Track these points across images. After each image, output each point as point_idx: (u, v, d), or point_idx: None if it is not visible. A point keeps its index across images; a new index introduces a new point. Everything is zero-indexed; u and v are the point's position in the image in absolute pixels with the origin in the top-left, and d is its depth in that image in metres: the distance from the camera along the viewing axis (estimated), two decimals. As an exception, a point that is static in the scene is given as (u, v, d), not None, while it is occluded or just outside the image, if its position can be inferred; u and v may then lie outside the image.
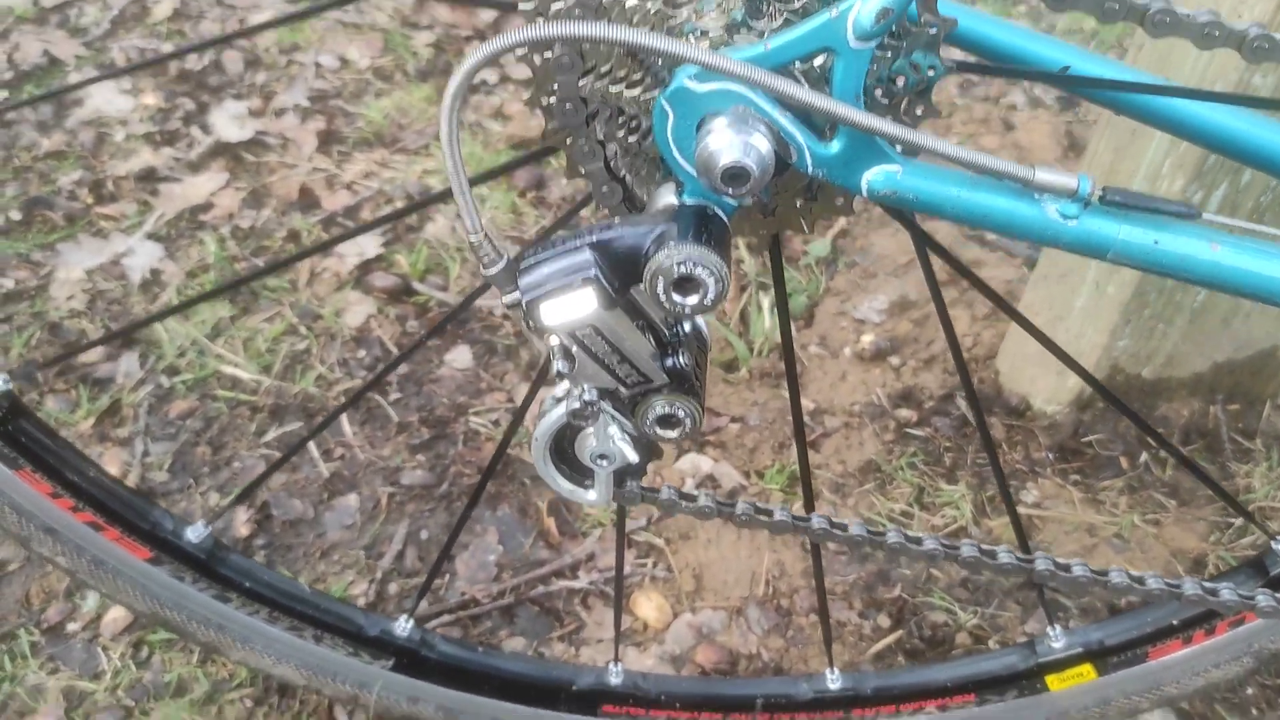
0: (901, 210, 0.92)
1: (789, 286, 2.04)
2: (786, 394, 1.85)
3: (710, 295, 0.71)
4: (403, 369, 1.88)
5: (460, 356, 1.91)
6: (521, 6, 0.78)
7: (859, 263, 2.11)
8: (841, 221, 2.20)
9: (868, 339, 1.95)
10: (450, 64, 2.68)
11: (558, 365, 0.78)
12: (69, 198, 2.21)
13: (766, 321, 1.94)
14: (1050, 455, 1.71)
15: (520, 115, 2.52)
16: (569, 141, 0.83)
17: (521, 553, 1.63)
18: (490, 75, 2.62)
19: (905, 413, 1.81)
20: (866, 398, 1.85)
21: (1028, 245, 2.14)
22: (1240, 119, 0.89)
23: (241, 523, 1.62)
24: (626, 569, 1.60)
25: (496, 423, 1.79)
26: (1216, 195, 1.42)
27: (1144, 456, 1.70)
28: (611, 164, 0.84)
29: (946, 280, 2.03)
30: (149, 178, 2.29)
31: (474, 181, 0.97)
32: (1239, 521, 1.62)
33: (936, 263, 1.08)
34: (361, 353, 1.91)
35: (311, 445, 1.74)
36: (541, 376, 1.16)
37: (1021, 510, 1.66)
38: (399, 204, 2.25)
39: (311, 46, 2.72)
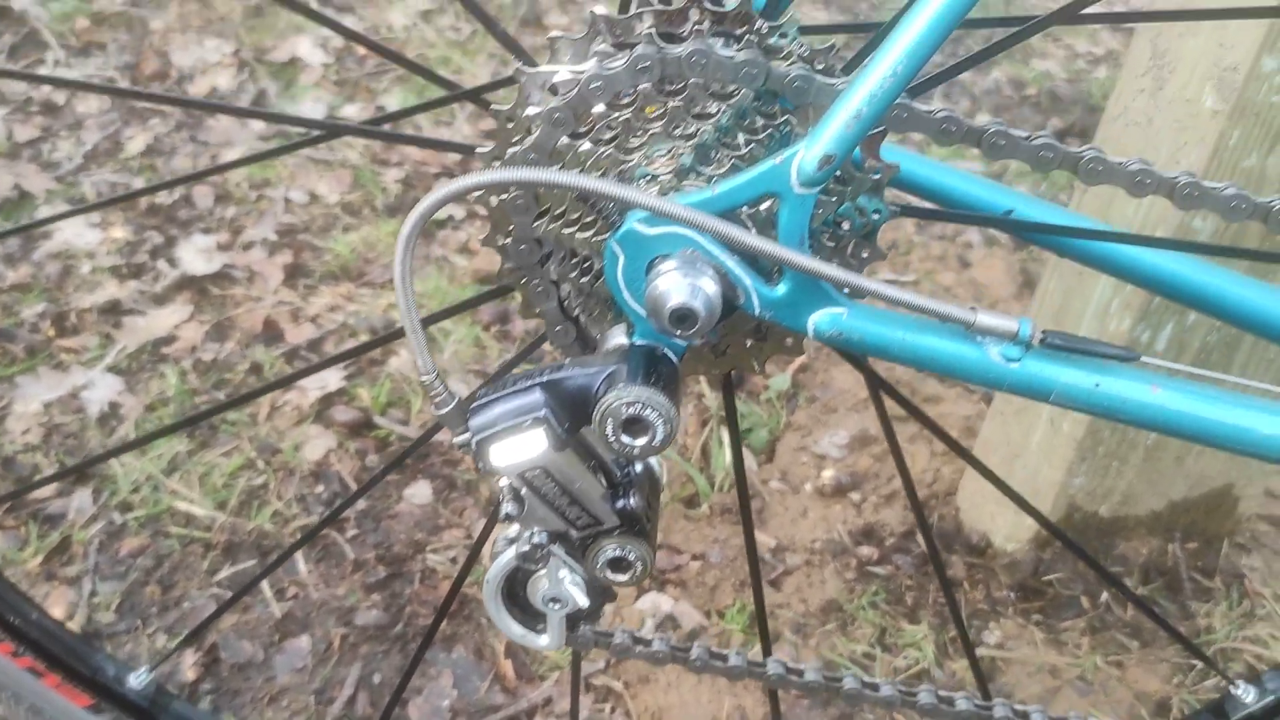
0: (851, 352, 0.94)
1: (750, 421, 2.05)
2: (748, 531, 1.84)
3: (659, 437, 0.71)
4: (361, 504, 1.85)
5: (420, 492, 1.89)
6: (479, 151, 0.80)
7: (819, 397, 2.12)
8: (802, 356, 2.23)
9: (828, 474, 1.95)
10: (418, 199, 2.72)
11: (507, 508, 0.77)
12: (31, 330, 2.20)
13: (727, 456, 1.94)
14: (1011, 594, 1.70)
15: (486, 250, 2.55)
16: (524, 281, 0.84)
17: (477, 697, 1.58)
18: (458, 211, 2.67)
19: (866, 550, 1.80)
20: (828, 534, 1.84)
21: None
22: (1179, 262, 0.92)
23: (189, 666, 1.58)
24: (584, 714, 1.56)
25: (454, 560, 1.77)
26: (1163, 335, 1.46)
27: (1105, 596, 1.70)
28: (565, 304, 0.85)
29: (904, 415, 2.05)
30: (113, 310, 2.28)
31: (431, 320, 0.98)
32: (1201, 664, 1.61)
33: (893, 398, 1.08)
34: (320, 488, 1.89)
35: (264, 584, 1.70)
36: (496, 513, 1.15)
37: (984, 652, 1.64)
38: (363, 337, 2.26)
39: (282, 182, 2.76)
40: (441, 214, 2.66)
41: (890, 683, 1.03)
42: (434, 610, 1.67)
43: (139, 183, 2.71)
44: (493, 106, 0.78)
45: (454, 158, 2.86)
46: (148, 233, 2.54)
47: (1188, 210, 0.78)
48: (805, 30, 0.79)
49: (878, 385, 0.98)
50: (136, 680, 1.16)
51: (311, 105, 3.03)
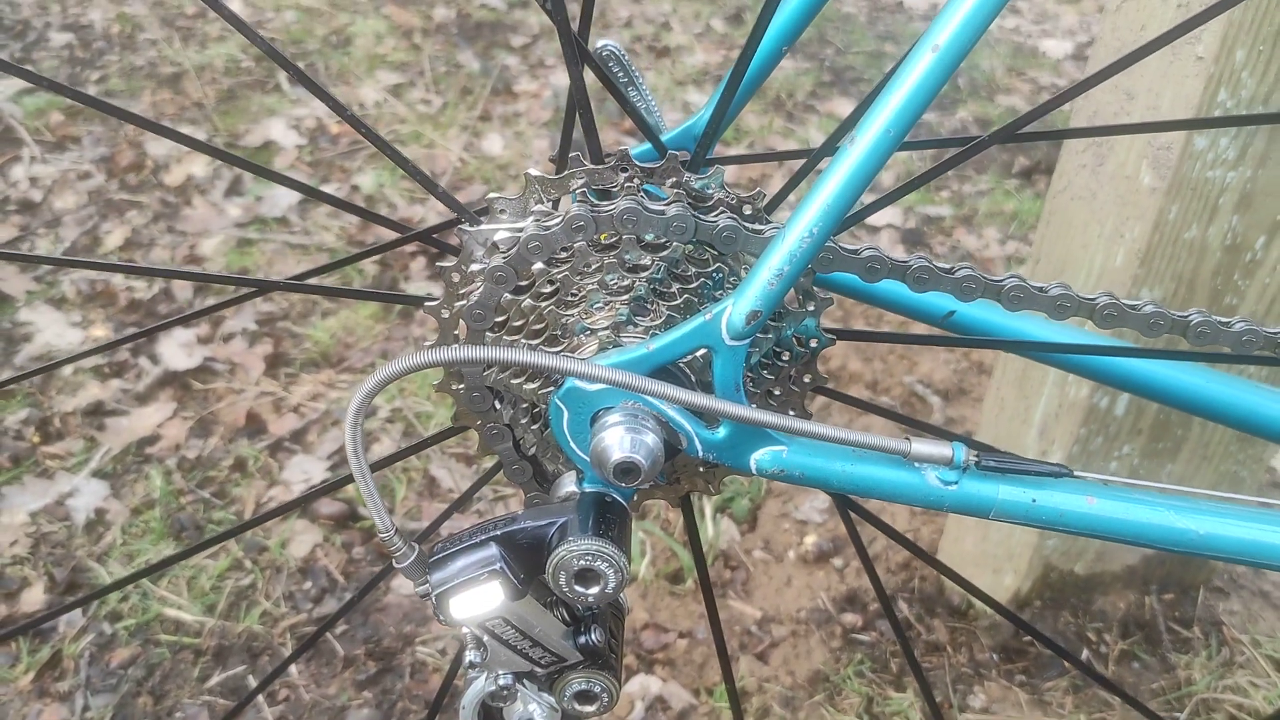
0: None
1: (731, 490, 2.07)
2: (734, 605, 1.86)
3: (610, 585, 0.74)
4: (347, 597, 1.87)
5: (407, 583, 1.91)
6: (428, 305, 0.83)
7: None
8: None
9: (810, 540, 1.97)
10: (395, 279, 2.76)
11: (470, 656, 0.79)
12: (15, 438, 2.23)
13: (709, 529, 1.97)
14: (994, 656, 1.72)
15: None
16: (479, 424, 0.87)
17: (470, 791, 1.59)
18: (436, 288, 2.70)
19: (850, 617, 1.82)
20: (812, 602, 1.86)
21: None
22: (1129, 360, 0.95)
23: (182, 777, 1.59)
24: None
25: (444, 651, 1.78)
26: (1121, 400, 1.49)
27: (1085, 653, 1.72)
28: (520, 444, 0.87)
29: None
30: (96, 412, 2.31)
31: (389, 461, 1.01)
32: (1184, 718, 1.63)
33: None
34: (308, 584, 1.91)
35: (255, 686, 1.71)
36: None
37: (970, 716, 1.65)
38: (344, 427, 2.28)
39: (260, 269, 2.79)
40: (421, 290, 2.69)
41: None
42: (425, 705, 1.69)
43: (117, 279, 2.74)
44: (438, 264, 0.81)
45: (432, 219, 2.89)
46: (128, 329, 2.57)
47: (1109, 329, 0.81)
48: (716, 160, 0.83)
49: (845, 505, 1.01)
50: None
51: (286, 189, 3.07)
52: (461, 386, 0.85)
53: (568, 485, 0.80)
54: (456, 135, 3.34)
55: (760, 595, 1.89)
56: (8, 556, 1.94)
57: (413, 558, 0.78)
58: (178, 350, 2.52)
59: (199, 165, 3.18)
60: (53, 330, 2.57)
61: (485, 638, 0.79)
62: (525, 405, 0.84)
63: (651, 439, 0.73)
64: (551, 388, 0.81)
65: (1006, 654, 1.73)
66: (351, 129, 3.35)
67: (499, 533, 0.76)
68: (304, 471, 2.15)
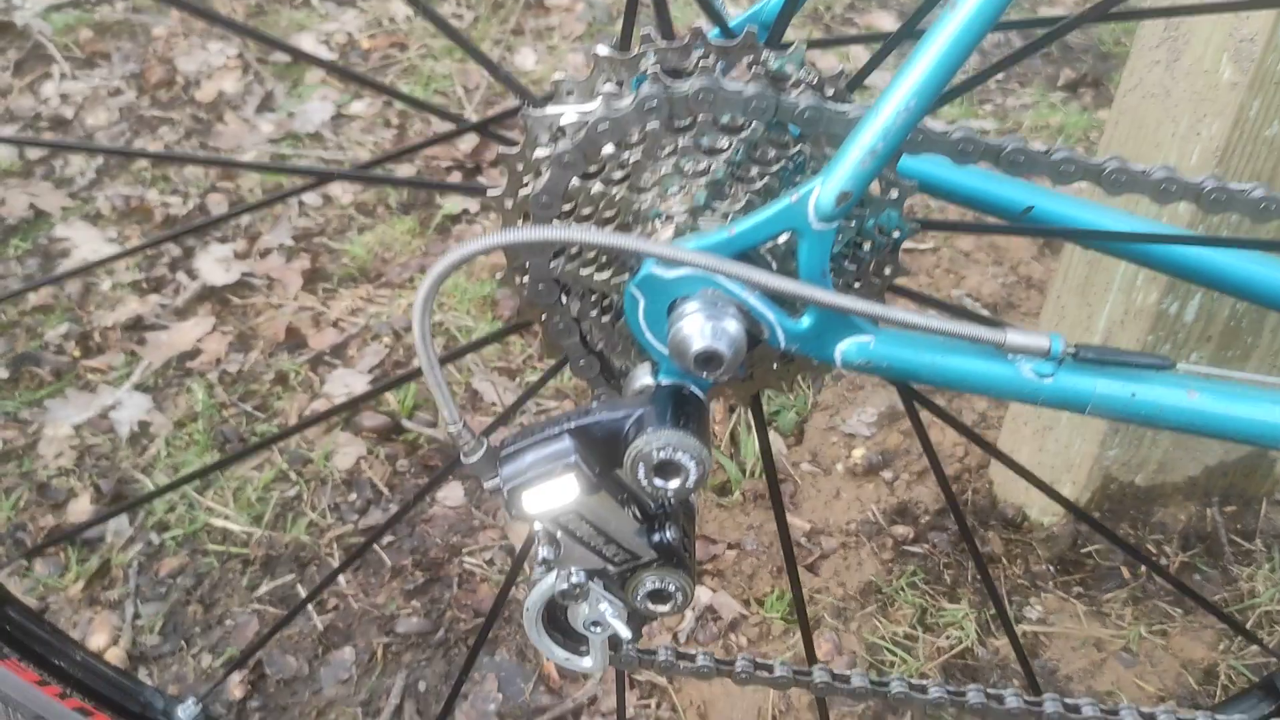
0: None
1: (776, 404, 2.04)
2: (781, 516, 1.83)
3: (691, 479, 0.71)
4: (395, 509, 1.86)
5: (452, 494, 1.90)
6: (490, 193, 0.80)
7: (845, 375, 2.11)
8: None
9: (859, 453, 1.94)
10: (431, 196, 2.71)
11: (543, 552, 0.77)
12: (56, 352, 2.22)
13: (756, 442, 1.94)
14: (1050, 568, 1.70)
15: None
16: (544, 319, 0.83)
17: (522, 699, 1.59)
18: (471, 204, 2.66)
19: (902, 529, 1.79)
20: (862, 515, 1.84)
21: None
22: (1203, 251, 0.90)
23: (235, 685, 1.59)
24: (630, 711, 1.57)
25: (491, 561, 1.78)
26: (1191, 306, 1.44)
27: (1145, 566, 1.69)
28: (587, 338, 0.84)
29: (932, 390, 2.04)
30: (136, 326, 2.30)
31: (452, 356, 0.98)
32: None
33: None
34: (353, 495, 1.90)
35: (304, 594, 1.71)
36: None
37: (1026, 628, 1.63)
38: (385, 340, 2.26)
39: (294, 183, 2.75)
40: (455, 208, 2.65)
41: (939, 685, 1.03)
42: (474, 614, 1.68)
43: (152, 195, 2.71)
44: (500, 150, 0.77)
45: (465, 149, 2.84)
46: (165, 245, 2.55)
47: (1215, 214, 0.76)
48: (812, 45, 0.78)
49: (911, 397, 0.97)
50: (185, 713, 1.18)
51: (319, 103, 3.03)
52: (526, 279, 0.81)
53: (642, 378, 0.77)
54: (489, 49, 3.27)
55: (808, 508, 1.86)
56: (54, 468, 1.94)
57: (481, 452, 0.75)
58: (215, 266, 2.49)
59: (230, 81, 3.13)
60: (89, 246, 2.55)
61: (558, 534, 0.76)
62: (595, 297, 0.81)
63: (734, 327, 0.70)
64: (625, 276, 0.77)
65: (1063, 566, 1.70)
66: (383, 45, 3.29)
67: (573, 425, 0.73)
68: (345, 385, 2.13)
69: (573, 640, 0.97)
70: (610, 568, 0.80)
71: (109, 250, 2.53)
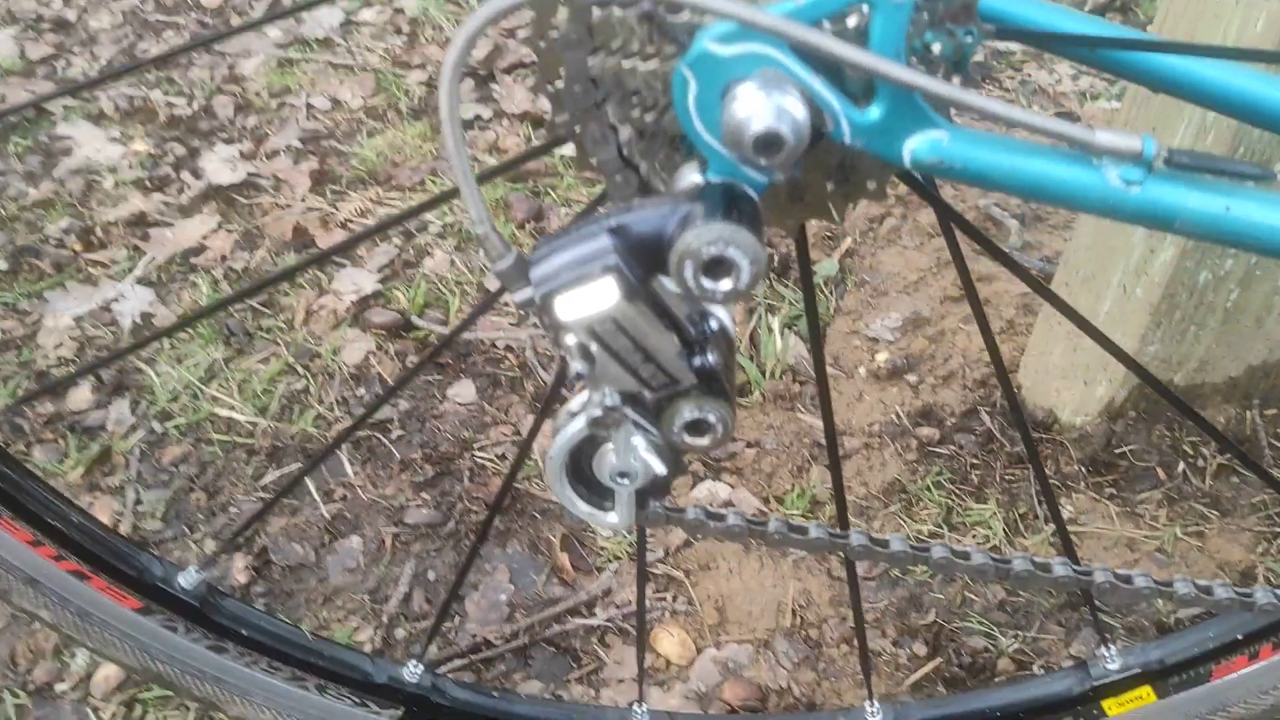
0: (923, 183, 0.86)
1: (798, 308, 1.97)
2: (802, 417, 1.78)
3: (744, 279, 0.64)
4: (405, 406, 1.81)
5: (464, 391, 1.84)
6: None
7: (869, 281, 2.05)
8: (847, 241, 2.14)
9: (882, 357, 1.88)
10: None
11: (576, 366, 0.71)
12: (57, 245, 2.16)
13: (777, 343, 1.88)
14: (1082, 469, 1.64)
15: (515, 148, 2.47)
16: (579, 129, 0.77)
17: (534, 591, 1.55)
18: (484, 110, 2.58)
19: (927, 431, 1.73)
20: (885, 417, 1.78)
21: (1041, 258, 2.08)
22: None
23: (239, 570, 1.55)
24: (645, 603, 1.52)
25: (503, 456, 1.72)
26: None
27: (1181, 466, 1.63)
28: (625, 151, 0.77)
29: (958, 296, 1.97)
30: (139, 223, 2.23)
31: (490, 173, 0.91)
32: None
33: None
34: (361, 391, 1.84)
35: (311, 486, 1.66)
36: (547, 408, 1.09)
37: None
38: (396, 241, 2.19)
39: (302, 89, 2.68)
40: (468, 113, 2.58)
41: (982, 551, 0.97)
42: (486, 506, 1.63)
43: (156, 95, 2.64)
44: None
45: (478, 56, 2.75)
46: (169, 144, 2.48)
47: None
48: None
49: (949, 217, 0.90)
50: (186, 580, 1.13)
51: (327, 9, 2.94)
52: (561, 82, 0.74)
53: (689, 176, 0.70)
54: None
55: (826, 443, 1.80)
56: (54, 358, 1.89)
57: (511, 259, 0.69)
58: (220, 165, 2.43)
59: (236, -17, 3.04)
60: (92, 145, 2.49)
61: (594, 346, 0.70)
62: (635, 97, 0.74)
63: (798, 109, 0.63)
64: (673, 61, 0.70)
65: (1096, 466, 1.64)
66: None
67: (612, 223, 0.67)
68: (354, 283, 2.07)
69: (597, 496, 0.92)
70: (646, 393, 0.74)
71: (111, 149, 2.46)
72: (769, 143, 0.62)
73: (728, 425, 0.76)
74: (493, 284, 2.00)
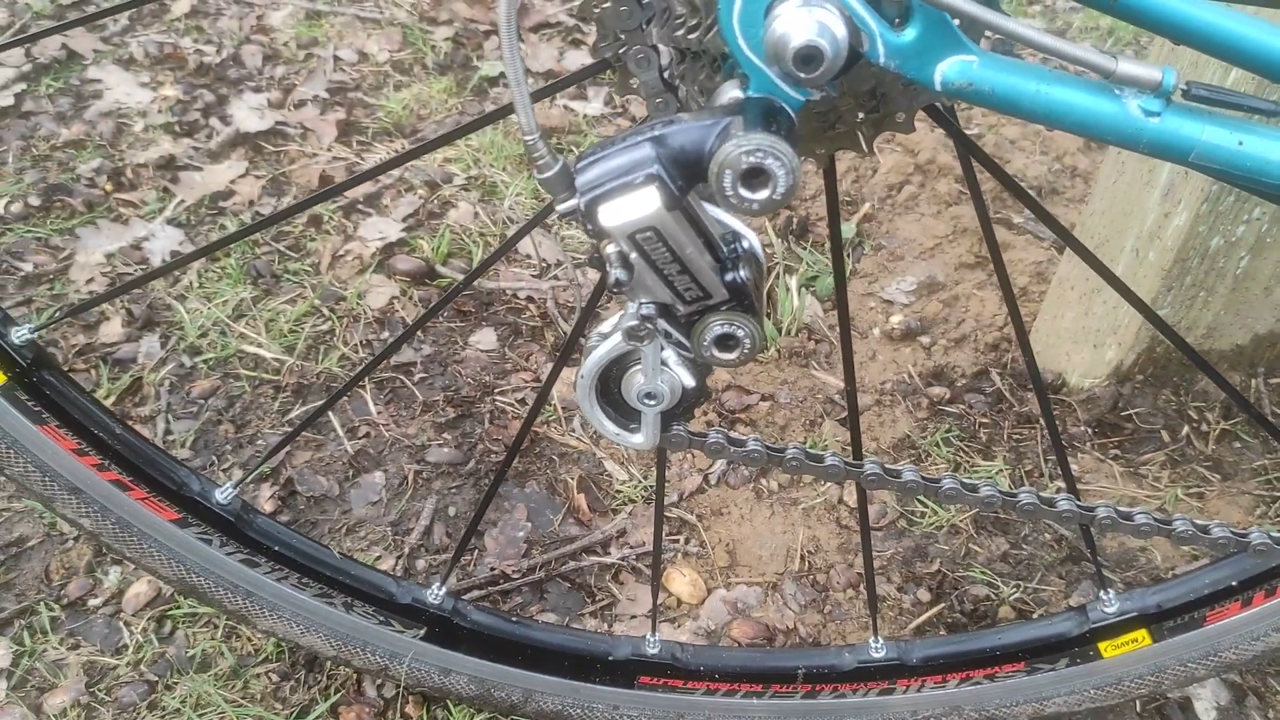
0: (946, 116, 0.89)
1: (815, 269, 2.01)
2: (817, 374, 1.82)
3: (781, 188, 0.68)
4: (427, 350, 1.85)
5: (485, 339, 1.88)
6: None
7: (885, 245, 2.08)
8: (866, 206, 2.17)
9: (896, 319, 1.92)
10: (469, 57, 2.67)
11: (615, 274, 0.74)
12: (88, 185, 2.19)
13: (794, 301, 1.91)
14: (1089, 430, 1.68)
15: (540, 109, 2.50)
16: (622, 50, 0.80)
17: (551, 529, 1.59)
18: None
19: (938, 390, 1.77)
20: (897, 376, 1.81)
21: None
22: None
23: (266, 499, 1.59)
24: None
25: (523, 401, 1.76)
26: None
27: (1185, 430, 1.67)
28: (666, 73, 0.81)
29: (973, 263, 2.01)
30: (168, 166, 2.27)
31: (538, 94, 0.95)
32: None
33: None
34: (385, 334, 1.88)
35: (335, 422, 1.71)
36: (566, 354, 1.13)
37: (1061, 484, 1.62)
38: (421, 192, 2.23)
39: (330, 41, 2.71)
40: (493, 71, 2.61)
41: (990, 484, 1.01)
42: (506, 448, 1.67)
43: (186, 43, 2.67)
44: None
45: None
46: (198, 91, 2.51)
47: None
48: None
49: (968, 150, 0.94)
50: (222, 495, 1.17)
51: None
52: (607, 4, 0.78)
53: (728, 93, 0.74)
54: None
55: (843, 367, 1.84)
56: (85, 292, 1.93)
57: (557, 168, 0.73)
58: (249, 113, 2.46)
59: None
60: (122, 89, 2.52)
61: (633, 255, 0.74)
62: (678, 17, 0.77)
63: (837, 25, 0.66)
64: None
65: (1101, 428, 1.68)
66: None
67: (655, 134, 0.70)
68: (379, 231, 2.11)
69: (624, 417, 0.96)
70: (679, 306, 0.78)
71: (141, 94, 2.50)
72: (809, 56, 0.66)
73: (755, 341, 0.80)
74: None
